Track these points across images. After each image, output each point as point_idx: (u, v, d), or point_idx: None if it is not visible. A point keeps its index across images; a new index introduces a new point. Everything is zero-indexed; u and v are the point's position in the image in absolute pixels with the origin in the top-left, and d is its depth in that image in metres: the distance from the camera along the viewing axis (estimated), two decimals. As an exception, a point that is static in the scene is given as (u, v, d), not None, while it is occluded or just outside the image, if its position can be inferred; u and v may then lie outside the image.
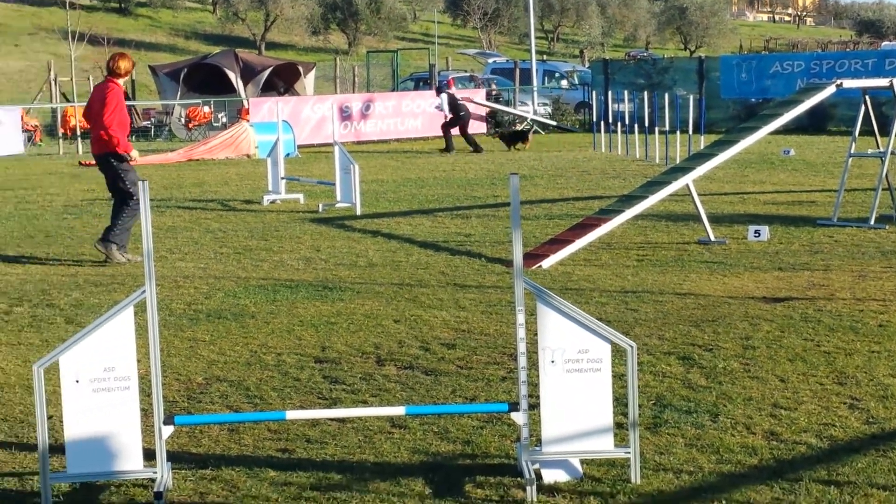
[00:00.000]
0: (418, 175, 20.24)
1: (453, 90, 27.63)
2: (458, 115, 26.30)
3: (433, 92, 32.86)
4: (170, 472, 5.01)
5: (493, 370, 6.87)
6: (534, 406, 5.37)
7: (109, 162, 11.23)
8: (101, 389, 4.77)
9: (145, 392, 5.60)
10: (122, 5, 64.27)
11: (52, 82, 32.61)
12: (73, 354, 4.74)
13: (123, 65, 11.21)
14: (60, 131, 31.14)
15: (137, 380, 4.85)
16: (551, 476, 4.98)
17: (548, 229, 12.56)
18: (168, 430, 4.94)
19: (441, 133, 26.81)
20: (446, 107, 26.05)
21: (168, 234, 13.01)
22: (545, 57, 55.16)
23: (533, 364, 5.53)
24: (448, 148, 25.96)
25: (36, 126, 31.51)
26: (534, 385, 5.49)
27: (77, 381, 4.76)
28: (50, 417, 4.94)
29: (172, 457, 5.23)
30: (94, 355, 4.75)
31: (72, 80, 32.28)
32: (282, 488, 5.00)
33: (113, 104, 11.13)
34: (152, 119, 34.62)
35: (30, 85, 43.44)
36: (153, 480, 4.92)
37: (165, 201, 16.48)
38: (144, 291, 4.78)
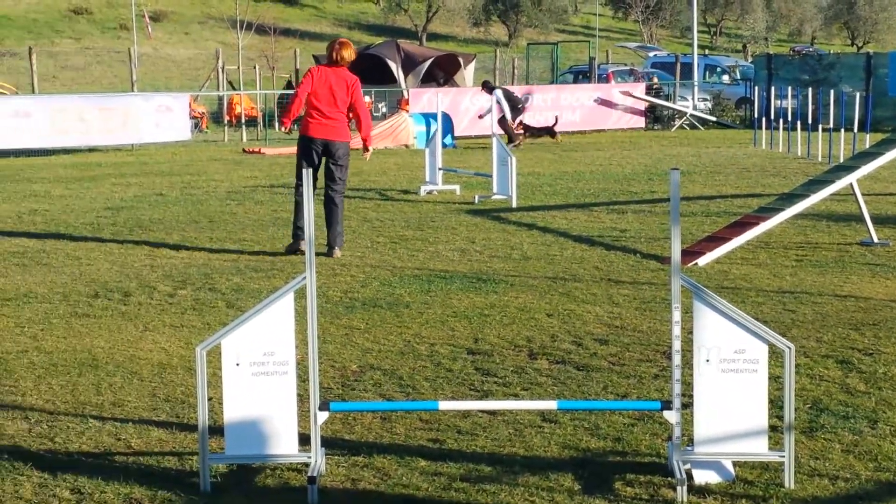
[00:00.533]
0: (575, 169, 20.16)
1: (514, 90, 27.77)
2: (516, 108, 26.09)
3: (592, 85, 32.68)
4: (323, 457, 5.10)
5: (645, 367, 6.83)
6: (686, 405, 5.32)
7: (343, 151, 11.12)
8: (260, 373, 4.88)
9: (301, 378, 5.72)
10: (289, -5, 65.47)
11: (220, 70, 33.40)
12: (235, 338, 4.87)
13: (348, 54, 11.04)
14: (226, 119, 31.89)
15: (295, 365, 4.96)
16: (702, 477, 4.94)
17: (705, 226, 12.40)
18: (323, 416, 5.03)
19: (501, 130, 26.02)
20: (494, 108, 24.39)
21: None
22: (707, 51, 54.36)
23: (687, 363, 5.47)
24: (511, 139, 25.52)
25: (203, 113, 32.32)
26: (687, 384, 5.44)
27: (237, 365, 4.88)
28: (209, 399, 5.07)
29: (326, 442, 5.32)
30: (254, 339, 4.86)
31: (238, 68, 33.01)
32: (432, 478, 5.06)
33: (362, 96, 11.23)
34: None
35: (198, 73, 44.56)
36: (307, 465, 5.03)
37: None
38: (305, 278, 4.87)
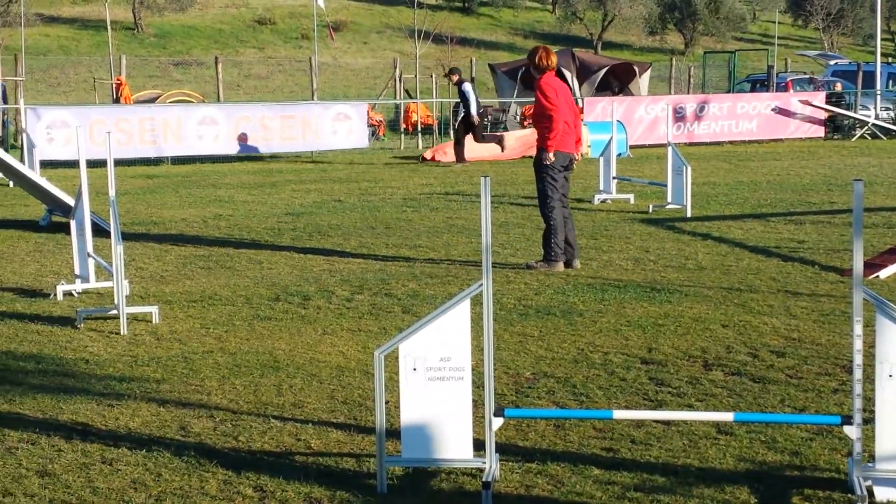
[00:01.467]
0: (751, 178, 19.84)
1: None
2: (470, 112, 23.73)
3: (769, 94, 32.08)
4: (497, 463, 5.16)
5: (824, 381, 6.70)
6: (867, 421, 5.22)
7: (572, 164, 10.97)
8: (436, 378, 4.97)
9: (475, 384, 5.79)
10: (466, 4, 65.92)
11: (397, 79, 33.86)
12: (412, 343, 4.96)
13: (555, 60, 10.79)
14: (402, 126, 32.32)
15: (471, 371, 5.03)
16: (884, 494, 4.83)
17: (886, 238, 12.08)
18: (498, 422, 5.09)
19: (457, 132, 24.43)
20: (472, 101, 23.50)
21: (501, 230, 13.31)
22: (891, 59, 52.79)
23: (868, 377, 5.37)
24: (476, 137, 23.94)
25: (380, 121, 32.82)
26: (868, 399, 5.33)
27: (414, 369, 4.98)
28: (386, 402, 5.18)
29: (500, 448, 5.38)
30: (431, 345, 4.95)
31: (415, 77, 33.40)
32: (606, 487, 5.07)
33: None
34: (489, 116, 35.37)
35: (375, 81, 45.26)
36: (481, 470, 5.09)
37: (499, 197, 16.84)
38: (481, 285, 4.94)
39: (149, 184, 20.03)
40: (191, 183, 20.14)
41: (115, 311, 8.49)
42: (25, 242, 12.90)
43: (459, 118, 24.22)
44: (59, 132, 22.84)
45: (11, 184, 18.31)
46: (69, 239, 10.09)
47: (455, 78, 24.08)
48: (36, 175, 14.27)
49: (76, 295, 9.61)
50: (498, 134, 25.76)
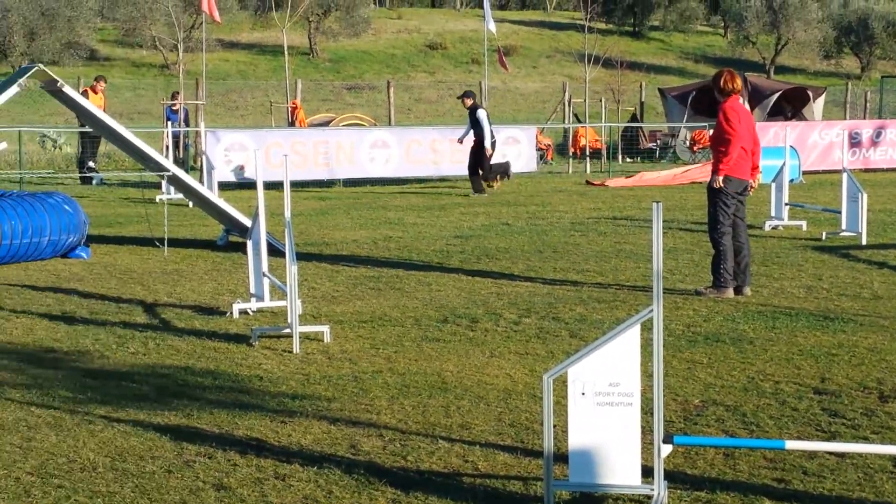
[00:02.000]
0: (932, 206, 19.24)
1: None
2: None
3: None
4: (666, 490, 5.12)
5: None
6: None
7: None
8: (604, 403, 4.96)
9: (643, 410, 5.75)
10: (636, 29, 65.58)
11: (566, 103, 33.86)
12: (581, 367, 4.97)
13: (739, 83, 10.54)
14: (570, 151, 32.30)
15: (640, 397, 5.00)
16: None
17: None
18: (667, 449, 5.05)
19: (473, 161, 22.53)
20: (486, 129, 21.96)
21: (670, 256, 13.19)
22: None
23: None
24: (486, 176, 22.56)
25: (548, 145, 32.87)
26: None
27: (583, 394, 4.98)
28: (553, 426, 5.19)
29: (668, 476, 5.34)
30: (600, 370, 4.95)
31: (584, 101, 33.37)
32: (776, 518, 4.99)
33: None
34: (658, 141, 35.12)
35: (544, 105, 45.33)
36: (649, 497, 5.06)
37: (668, 222, 16.69)
38: (651, 311, 4.92)
39: (321, 205, 20.44)
40: (362, 205, 20.48)
41: (288, 330, 8.68)
42: (204, 261, 13.29)
43: (471, 147, 22.43)
44: (236, 154, 23.49)
45: (191, 204, 18.89)
46: (245, 258, 10.37)
47: (469, 102, 22.38)
48: (214, 196, 14.70)
49: (251, 313, 9.87)
50: (504, 162, 23.71)
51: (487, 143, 22.05)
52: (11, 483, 5.51)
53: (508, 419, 6.57)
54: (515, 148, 26.61)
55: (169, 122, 25.48)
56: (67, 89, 13.57)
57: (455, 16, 66.87)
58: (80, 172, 26.08)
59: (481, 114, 22.11)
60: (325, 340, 8.75)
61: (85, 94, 23.12)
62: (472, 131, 22.28)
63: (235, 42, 55.92)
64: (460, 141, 22.83)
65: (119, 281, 11.81)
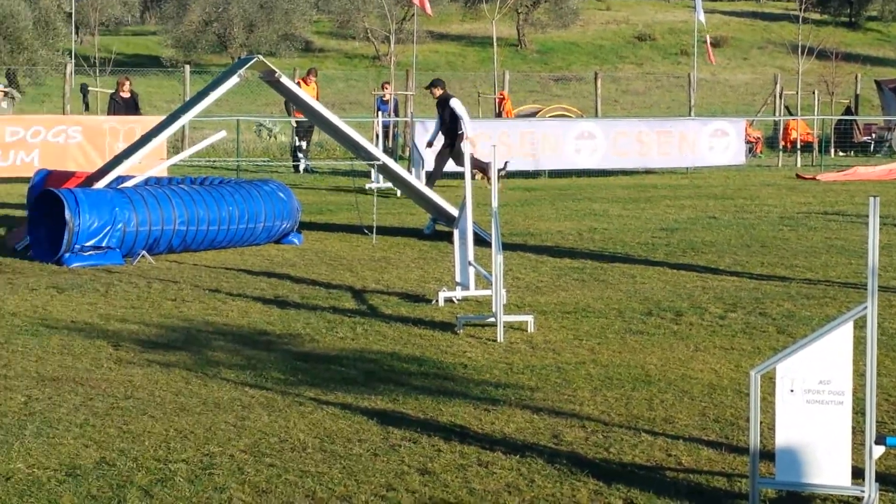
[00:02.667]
0: None
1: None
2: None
3: None
4: (877, 492, 4.98)
5: None
6: None
7: None
8: (814, 401, 4.86)
9: (854, 409, 5.60)
10: (853, 19, 63.58)
11: (777, 95, 33.11)
12: (790, 364, 4.87)
13: None
14: (781, 144, 31.56)
15: (851, 396, 4.88)
16: None
17: None
18: (879, 450, 4.92)
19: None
20: (465, 123, 18.72)
21: (883, 252, 12.78)
22: None
23: None
24: (483, 169, 19.44)
25: (758, 138, 32.19)
26: None
27: (791, 391, 4.88)
28: (759, 423, 5.10)
29: (879, 478, 5.19)
30: (810, 367, 4.84)
31: (797, 93, 32.56)
32: None
33: None
34: (873, 134, 34.00)
35: (754, 98, 44.41)
36: (859, 499, 4.93)
37: (884, 218, 16.17)
38: (865, 308, 4.79)
39: (527, 196, 20.51)
40: (567, 196, 20.46)
41: (492, 319, 8.76)
42: (411, 249, 13.51)
43: (441, 148, 19.29)
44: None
45: (399, 193, 19.19)
46: (451, 247, 10.50)
47: (438, 92, 19.15)
48: (422, 185, 14.91)
49: (456, 301, 9.99)
50: (484, 161, 19.08)
51: (470, 132, 18.63)
52: (226, 460, 5.72)
53: (713, 414, 6.49)
54: (724, 140, 26.19)
55: (379, 112, 25.95)
56: (284, 79, 13.97)
57: (665, 6, 66.02)
58: (293, 161, 26.80)
59: (456, 103, 18.93)
60: (529, 330, 8.80)
61: (298, 85, 23.73)
62: (442, 129, 19.00)
63: (445, 34, 56.50)
64: (430, 144, 19.52)
65: (329, 267, 12.10)
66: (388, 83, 28.27)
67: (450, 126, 18.85)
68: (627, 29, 59.19)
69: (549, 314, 9.46)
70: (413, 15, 35.36)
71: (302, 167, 26.06)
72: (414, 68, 29.57)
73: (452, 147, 18.82)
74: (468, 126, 18.65)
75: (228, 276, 11.44)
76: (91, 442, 5.96)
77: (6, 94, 24.07)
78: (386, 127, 25.91)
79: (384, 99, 27.26)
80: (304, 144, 26.22)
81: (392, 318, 9.33)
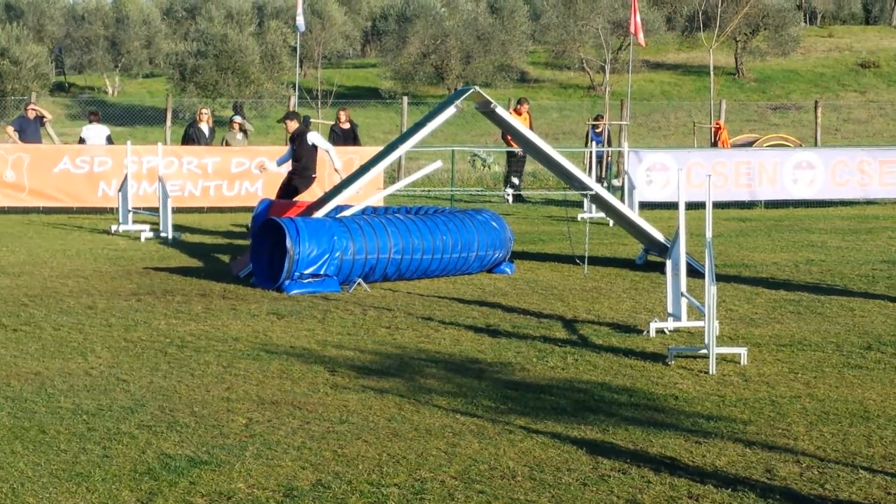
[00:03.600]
0: None
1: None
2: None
3: None
4: None
5: None
6: None
7: None
8: None
9: None
10: None
11: None
12: None
13: None
14: None
15: None
16: None
17: None
18: None
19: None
20: (332, 156, 16.75)
21: None
22: None
23: None
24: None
25: None
26: None
27: None
28: None
29: None
30: None
31: None
32: None
33: None
34: None
35: None
36: None
37: None
38: None
39: (741, 226, 20.15)
40: (783, 227, 20.01)
41: (704, 351, 8.65)
42: (622, 280, 13.45)
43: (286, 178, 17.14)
44: (657, 174, 23.58)
45: (612, 223, 19.14)
46: (663, 278, 10.43)
47: (292, 126, 16.95)
48: (635, 215, 14.84)
49: (668, 333, 9.90)
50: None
51: (339, 165, 16.81)
52: (437, 485, 5.83)
53: (936, 454, 6.27)
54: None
55: (593, 143, 25.93)
56: (499, 110, 14.13)
57: (890, 33, 64.03)
58: (505, 190, 27.01)
59: (315, 136, 17.09)
60: (742, 363, 8.66)
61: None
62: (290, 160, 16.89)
63: (661, 62, 56.11)
64: (261, 170, 18.10)
65: (540, 296, 12.16)
66: (601, 116, 28.21)
67: (304, 162, 16.74)
68: (850, 56, 57.62)
69: (763, 347, 9.29)
70: (629, 44, 35.26)
71: (511, 198, 26.24)
72: (629, 98, 29.48)
73: (291, 181, 16.85)
74: (336, 159, 16.80)
75: (441, 305, 11.61)
76: (308, 464, 6.16)
77: (241, 126, 25.00)
78: (599, 157, 25.86)
79: (597, 130, 27.25)
80: (515, 181, 26.38)
81: (603, 349, 9.32)
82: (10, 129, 23.40)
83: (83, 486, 5.78)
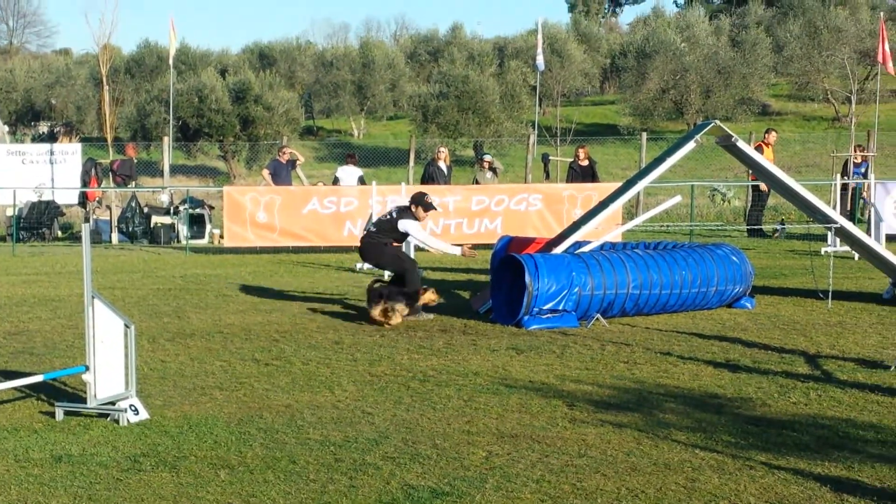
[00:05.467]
0: None
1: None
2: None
3: None
4: None
5: None
6: None
7: None
8: None
9: None
10: None
11: None
12: None
13: None
14: None
15: None
16: None
17: None
18: None
19: None
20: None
21: None
22: None
23: None
24: None
25: None
26: None
27: None
28: None
29: None
30: None
31: None
32: None
33: None
34: None
35: None
36: None
37: None
38: None
39: None
40: None
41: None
42: (868, 314, 13.06)
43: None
44: (907, 206, 22.78)
45: (857, 256, 18.61)
46: (913, 313, 10.09)
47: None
48: (881, 248, 14.40)
49: (919, 369, 9.58)
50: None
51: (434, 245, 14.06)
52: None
53: None
54: None
55: (839, 175, 25.24)
56: (741, 144, 13.98)
57: None
58: (747, 225, 26.56)
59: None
60: None
61: (759, 148, 23.51)
62: None
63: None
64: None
65: (782, 331, 11.93)
66: (861, 146, 27.40)
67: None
68: None
69: None
70: (876, 73, 34.19)
71: (777, 234, 25.69)
72: (875, 128, 28.59)
73: None
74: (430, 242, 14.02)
75: (680, 340, 11.54)
76: (547, 497, 6.24)
77: (490, 165, 25.41)
78: (846, 189, 25.16)
79: (856, 161, 26.50)
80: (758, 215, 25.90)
81: (847, 384, 9.09)
82: (266, 172, 24.48)
83: (331, 514, 6.02)
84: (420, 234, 13.47)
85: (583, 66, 56.39)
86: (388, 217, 13.52)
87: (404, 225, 13.28)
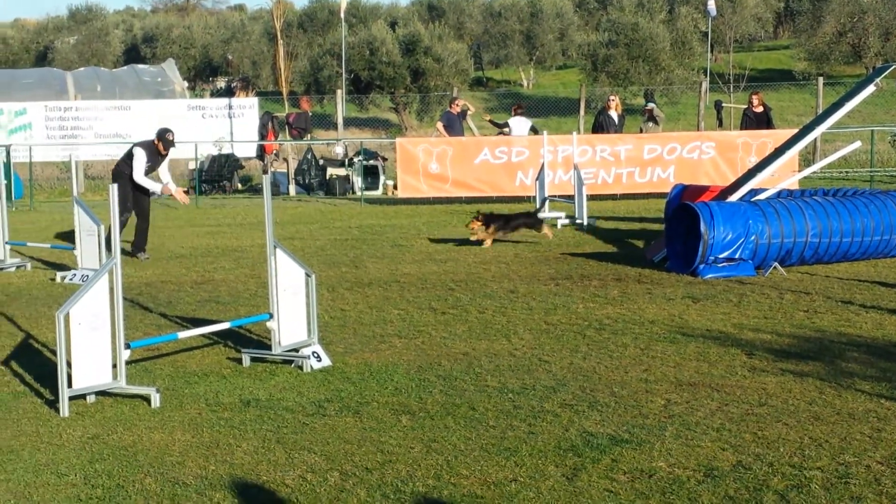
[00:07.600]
0: None
1: None
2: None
3: None
4: None
5: None
6: None
7: None
8: None
9: None
10: None
11: None
12: None
13: None
14: None
15: None
16: None
17: None
18: None
19: None
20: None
21: None
22: None
23: None
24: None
25: None
26: None
27: None
28: None
29: None
30: None
31: None
32: None
33: None
34: None
35: None
36: None
37: None
38: None
39: None
40: None
41: None
42: None
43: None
44: None
45: None
46: None
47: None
48: None
49: None
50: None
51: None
52: (862, 470, 5.74)
53: None
54: None
55: None
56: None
57: None
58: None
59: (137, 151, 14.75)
60: None
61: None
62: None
63: None
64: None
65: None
66: None
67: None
68: None
69: None
70: None
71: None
72: None
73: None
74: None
75: (862, 288, 11.28)
76: (727, 445, 6.21)
77: (650, 112, 25.12)
78: None
79: None
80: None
81: None
82: (440, 124, 24.65)
83: (511, 461, 6.10)
84: (136, 164, 14.45)
85: (755, 10, 55.03)
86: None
87: (137, 151, 14.53)
